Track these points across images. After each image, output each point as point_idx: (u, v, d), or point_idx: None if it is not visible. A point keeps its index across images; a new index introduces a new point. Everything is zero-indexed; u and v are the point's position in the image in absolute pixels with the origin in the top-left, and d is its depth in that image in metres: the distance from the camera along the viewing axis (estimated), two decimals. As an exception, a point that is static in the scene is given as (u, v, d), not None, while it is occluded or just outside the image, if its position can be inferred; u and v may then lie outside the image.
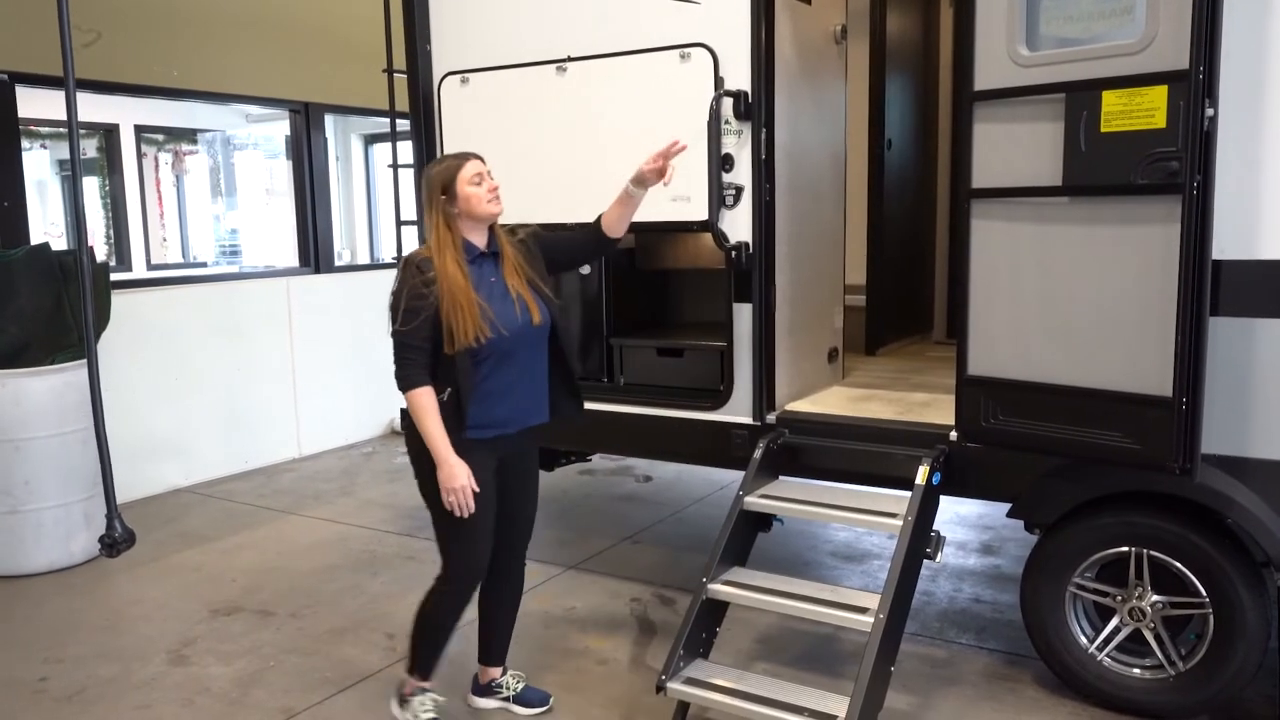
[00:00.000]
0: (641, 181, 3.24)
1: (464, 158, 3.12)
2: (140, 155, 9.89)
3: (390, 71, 4.70)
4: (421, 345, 3.00)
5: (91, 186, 9.72)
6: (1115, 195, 2.97)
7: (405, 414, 3.13)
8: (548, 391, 3.26)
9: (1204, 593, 3.21)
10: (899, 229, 5.72)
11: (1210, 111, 2.80)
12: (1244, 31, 2.98)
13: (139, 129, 9.73)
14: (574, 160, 4.23)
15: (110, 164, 9.64)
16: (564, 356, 3.28)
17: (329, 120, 7.72)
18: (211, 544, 5.43)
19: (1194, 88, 2.78)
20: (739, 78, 3.86)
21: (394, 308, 3.05)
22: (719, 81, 3.86)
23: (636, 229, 4.27)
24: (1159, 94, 2.87)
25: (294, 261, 7.62)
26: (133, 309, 6.08)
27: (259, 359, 7.00)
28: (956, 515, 5.55)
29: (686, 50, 3.91)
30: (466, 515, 3.04)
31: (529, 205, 4.13)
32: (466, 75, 4.46)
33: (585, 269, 4.52)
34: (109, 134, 9.51)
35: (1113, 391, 3.03)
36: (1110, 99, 2.96)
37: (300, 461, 7.23)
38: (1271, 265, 3.02)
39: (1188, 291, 2.84)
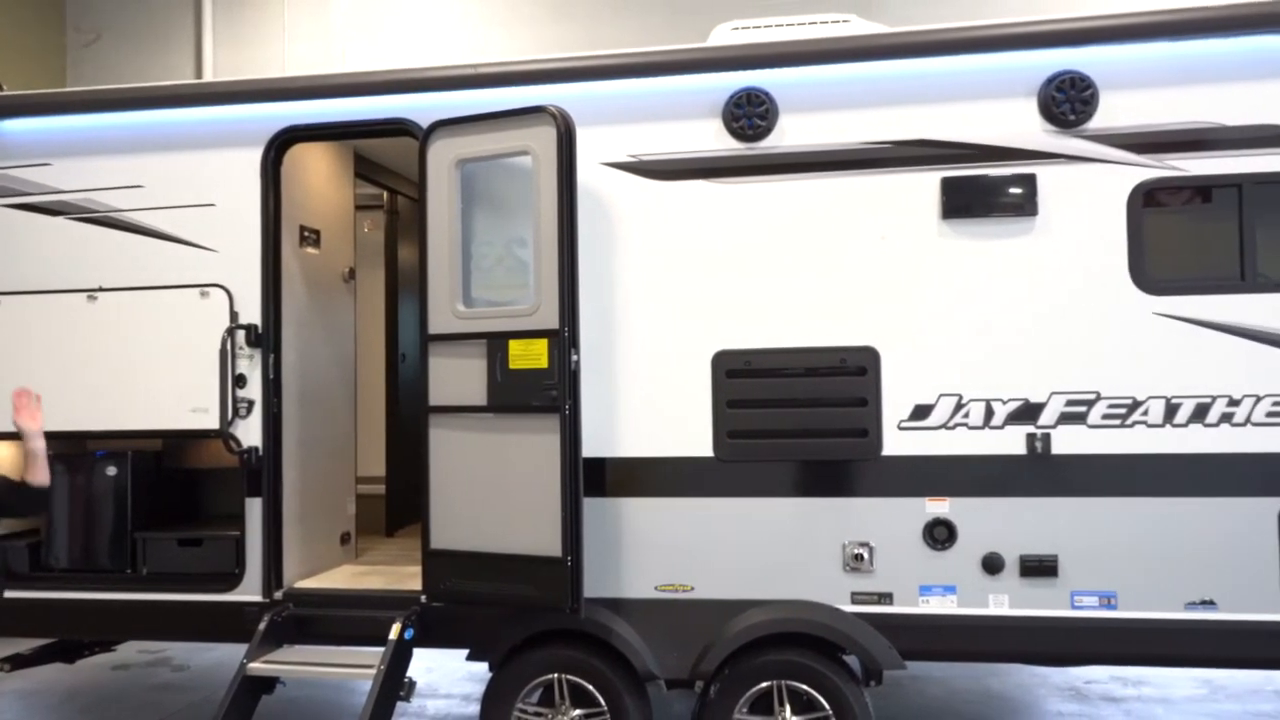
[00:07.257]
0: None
1: None
2: None
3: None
4: None
5: None
6: (520, 413, 4.18)
7: None
8: None
9: (603, 703, 4.34)
10: (415, 428, 6.74)
11: (576, 357, 4.12)
12: (597, 308, 4.39)
13: None
14: (106, 377, 4.78)
15: None
16: None
17: None
18: None
19: (562, 342, 4.09)
20: (252, 312, 4.72)
21: None
22: (234, 315, 4.70)
23: (162, 435, 4.91)
24: (543, 344, 4.16)
25: None
26: None
27: None
28: (469, 673, 6.44)
29: (206, 289, 4.72)
30: None
31: (66, 415, 4.66)
32: (-4, 297, 4.90)
33: (111, 469, 5.00)
34: None
35: (525, 555, 4.15)
36: (514, 346, 4.21)
37: None
38: (624, 460, 4.37)
39: (566, 480, 4.07)
